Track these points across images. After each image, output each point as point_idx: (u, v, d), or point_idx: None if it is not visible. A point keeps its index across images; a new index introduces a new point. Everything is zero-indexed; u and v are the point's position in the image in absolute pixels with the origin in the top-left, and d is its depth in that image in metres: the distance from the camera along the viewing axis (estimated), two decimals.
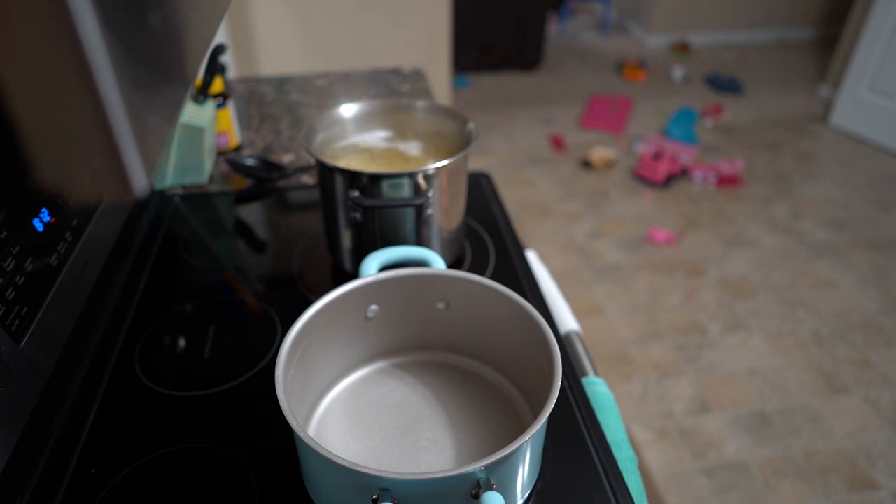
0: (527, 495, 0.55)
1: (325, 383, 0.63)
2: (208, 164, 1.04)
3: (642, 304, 2.10)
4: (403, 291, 0.63)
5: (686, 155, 2.81)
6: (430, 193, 0.72)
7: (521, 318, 0.58)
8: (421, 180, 0.70)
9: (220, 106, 1.07)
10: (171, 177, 1.01)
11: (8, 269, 0.46)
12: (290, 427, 0.47)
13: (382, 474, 0.43)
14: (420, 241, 0.76)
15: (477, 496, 0.45)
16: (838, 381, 1.80)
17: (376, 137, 0.83)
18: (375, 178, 0.69)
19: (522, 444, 0.45)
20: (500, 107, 3.49)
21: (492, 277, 0.81)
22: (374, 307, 0.63)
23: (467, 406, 0.62)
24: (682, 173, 2.78)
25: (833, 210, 2.57)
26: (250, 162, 1.01)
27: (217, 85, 1.06)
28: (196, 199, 0.99)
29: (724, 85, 3.60)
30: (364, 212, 0.73)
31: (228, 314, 0.76)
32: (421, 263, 0.67)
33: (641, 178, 2.75)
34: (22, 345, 0.48)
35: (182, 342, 0.72)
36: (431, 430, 0.60)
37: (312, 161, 1.09)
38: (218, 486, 0.56)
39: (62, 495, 0.55)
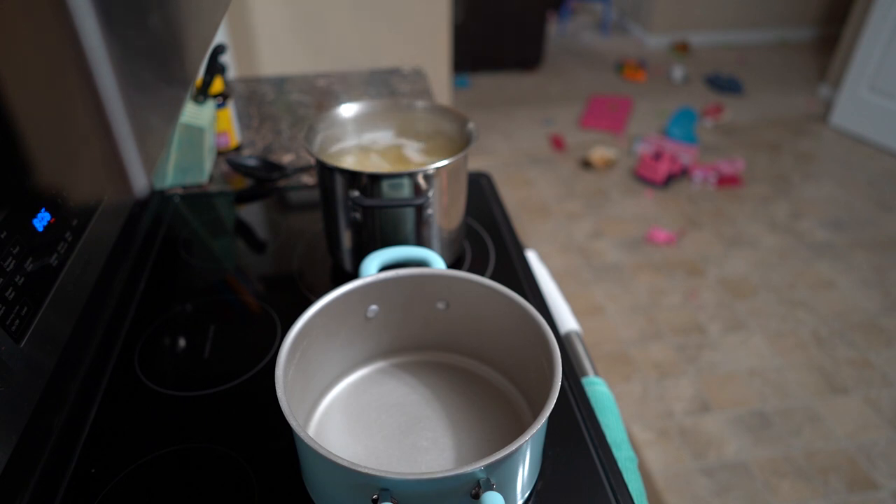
0: (527, 495, 0.55)
1: (325, 383, 0.63)
2: (208, 164, 1.04)
3: (642, 304, 2.10)
4: (403, 291, 0.63)
5: (686, 155, 2.81)
6: (430, 193, 0.72)
7: (521, 318, 0.58)
8: (421, 180, 0.70)
9: (220, 106, 1.07)
10: (171, 177, 1.01)
11: (8, 269, 0.46)
12: (290, 427, 0.47)
13: (382, 474, 0.43)
14: (420, 241, 0.76)
15: (477, 496, 0.45)
16: (838, 381, 1.80)
17: (376, 137, 0.83)
18: (375, 178, 0.69)
19: (522, 444, 0.45)
20: (500, 107, 3.49)
21: (492, 277, 0.81)
22: (374, 307, 0.63)
23: (467, 406, 0.62)
24: (682, 173, 2.78)
25: (833, 210, 2.57)
26: (250, 162, 1.01)
27: (217, 85, 1.06)
28: (196, 199, 0.99)
29: (724, 85, 3.60)
30: (364, 212, 0.73)
31: (228, 314, 0.76)
32: (421, 263, 0.67)
33: (641, 178, 2.75)
34: (22, 345, 0.48)
35: (182, 342, 0.72)
36: (431, 430, 0.60)
37: (312, 161, 1.09)
38: (218, 486, 0.56)
39: (62, 495, 0.55)
